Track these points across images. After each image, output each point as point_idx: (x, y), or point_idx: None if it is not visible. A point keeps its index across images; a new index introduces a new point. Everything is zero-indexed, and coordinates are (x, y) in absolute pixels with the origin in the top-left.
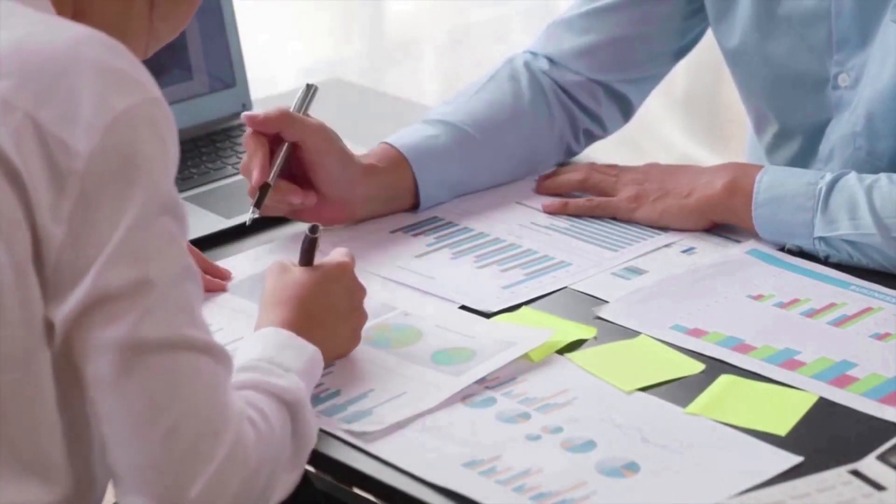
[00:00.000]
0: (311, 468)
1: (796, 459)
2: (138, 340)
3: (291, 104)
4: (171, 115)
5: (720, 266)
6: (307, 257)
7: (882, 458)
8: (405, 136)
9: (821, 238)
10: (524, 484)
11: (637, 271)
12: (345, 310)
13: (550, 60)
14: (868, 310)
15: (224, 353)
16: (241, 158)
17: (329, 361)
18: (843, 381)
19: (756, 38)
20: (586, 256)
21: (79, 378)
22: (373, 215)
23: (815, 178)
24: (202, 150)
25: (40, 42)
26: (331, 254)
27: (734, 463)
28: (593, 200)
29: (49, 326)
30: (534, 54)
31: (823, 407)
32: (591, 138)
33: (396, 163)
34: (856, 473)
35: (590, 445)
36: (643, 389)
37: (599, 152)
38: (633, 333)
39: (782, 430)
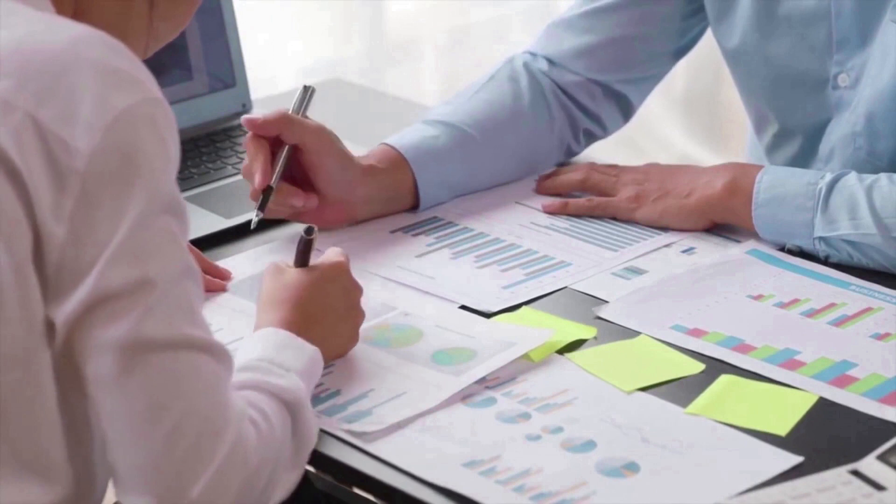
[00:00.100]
0: (311, 468)
1: (796, 459)
2: (139, 339)
3: (290, 106)
4: (172, 114)
5: (720, 266)
6: (303, 258)
7: (882, 458)
8: (405, 136)
9: (821, 238)
10: (524, 484)
11: (637, 271)
12: (342, 309)
13: (550, 61)
14: (868, 310)
15: (225, 353)
16: (241, 158)
17: (328, 361)
18: (843, 381)
19: (756, 37)
20: (586, 256)
21: (79, 378)
22: (373, 216)
23: (815, 178)
24: (202, 150)
25: (40, 41)
26: (325, 253)
27: (734, 463)
28: (593, 200)
29: (49, 326)
30: (533, 55)
31: (823, 407)
32: (590, 138)
33: (396, 163)
34: (856, 473)
35: (590, 445)
36: (643, 389)
37: (599, 152)
38: (633, 333)
39: (782, 430)
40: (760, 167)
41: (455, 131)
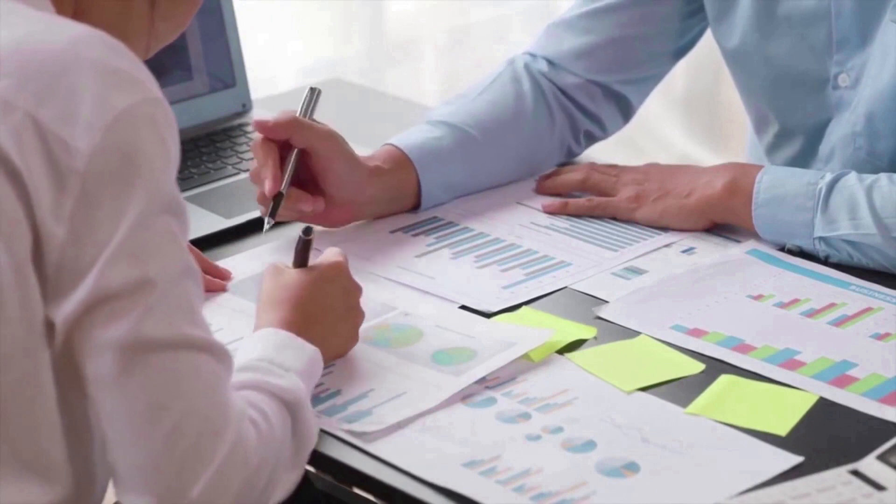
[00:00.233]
0: (311, 468)
1: (796, 459)
2: (139, 339)
3: (297, 109)
4: (172, 114)
5: (720, 266)
6: (301, 258)
7: (882, 458)
8: (408, 136)
9: (821, 238)
10: (524, 484)
11: (637, 271)
12: (342, 309)
13: (549, 62)
14: (868, 310)
15: (225, 352)
16: (241, 158)
17: (328, 361)
18: (843, 381)
19: (756, 38)
20: (586, 256)
21: (79, 378)
22: (375, 216)
23: (815, 178)
24: (202, 150)
25: (40, 41)
26: (324, 253)
27: (734, 463)
28: (593, 200)
29: (49, 326)
30: (533, 56)
31: (823, 407)
32: (591, 139)
33: (401, 164)
34: (856, 473)
35: (590, 445)
36: (643, 389)
37: (599, 153)
38: (633, 333)
39: (782, 430)
40: (760, 167)
41: (457, 132)
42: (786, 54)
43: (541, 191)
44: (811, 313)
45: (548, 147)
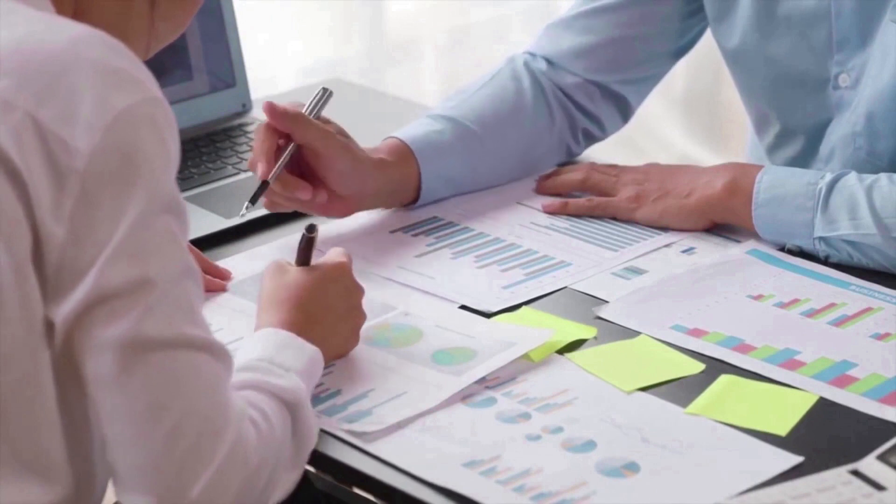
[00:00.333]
0: (311, 468)
1: (796, 459)
2: (139, 339)
3: (306, 104)
4: (172, 114)
5: (720, 266)
6: (304, 257)
7: (882, 458)
8: (411, 129)
9: (821, 238)
10: (524, 484)
11: (637, 271)
12: (343, 309)
13: (548, 61)
14: (868, 310)
15: (224, 352)
16: (241, 158)
17: (328, 361)
18: (843, 381)
19: (756, 38)
20: (586, 256)
21: (79, 377)
22: (376, 207)
23: (815, 178)
24: (202, 150)
25: (40, 41)
26: (328, 254)
27: (734, 463)
28: (593, 200)
29: (49, 326)
30: (532, 55)
31: (823, 407)
32: (589, 139)
33: (404, 156)
34: (856, 473)
35: (590, 445)
36: (643, 389)
37: (599, 152)
38: (633, 333)
39: (782, 430)
40: (760, 167)
41: (458, 126)
42: (786, 54)
43: (541, 191)
44: (811, 313)
45: (547, 143)
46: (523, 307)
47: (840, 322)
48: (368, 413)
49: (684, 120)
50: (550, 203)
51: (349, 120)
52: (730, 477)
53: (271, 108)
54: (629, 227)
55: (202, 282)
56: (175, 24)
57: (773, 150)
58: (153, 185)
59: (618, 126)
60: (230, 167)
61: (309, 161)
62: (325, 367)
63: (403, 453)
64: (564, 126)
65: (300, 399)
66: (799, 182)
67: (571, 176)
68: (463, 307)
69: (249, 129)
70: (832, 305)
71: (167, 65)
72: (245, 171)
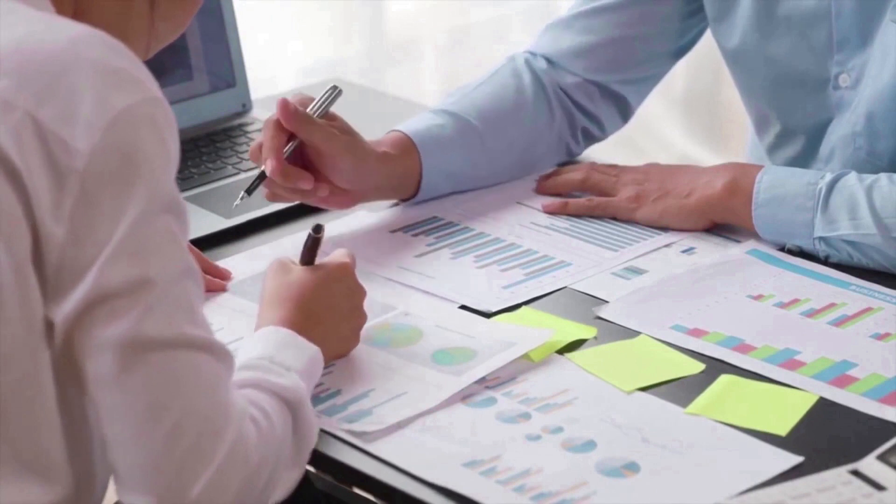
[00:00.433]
0: (311, 468)
1: (796, 459)
2: (139, 338)
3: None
4: (172, 113)
5: (720, 266)
6: (309, 256)
7: (882, 458)
8: (414, 123)
9: (821, 238)
10: (524, 484)
11: (637, 271)
12: (345, 310)
13: (548, 61)
14: (868, 310)
15: (225, 352)
16: (241, 158)
17: (329, 361)
18: (843, 381)
19: (756, 38)
20: (586, 256)
21: (79, 377)
22: (378, 199)
23: (815, 178)
24: (202, 150)
25: (40, 41)
26: (332, 254)
27: (734, 463)
28: (593, 200)
29: (49, 326)
30: (533, 54)
31: (823, 407)
32: (589, 139)
33: (407, 150)
34: (856, 473)
35: (590, 445)
36: (643, 389)
37: (599, 153)
38: (633, 333)
39: (783, 430)
40: (760, 167)
41: (459, 121)
42: (786, 54)
43: (541, 191)
44: (811, 313)
45: (547, 141)
46: (523, 307)
47: (840, 322)
48: (368, 413)
49: (684, 120)
50: (550, 203)
51: (349, 120)
52: (730, 477)
53: (284, 106)
54: (629, 227)
55: (202, 282)
56: (175, 25)
57: (773, 150)
58: (153, 184)
59: (617, 126)
60: (230, 167)
61: (312, 158)
62: (325, 367)
63: (403, 453)
64: (564, 125)
65: (301, 398)
66: (799, 182)
67: (571, 176)
68: (463, 307)
69: (249, 129)
70: (832, 305)
71: (167, 65)
72: (245, 170)
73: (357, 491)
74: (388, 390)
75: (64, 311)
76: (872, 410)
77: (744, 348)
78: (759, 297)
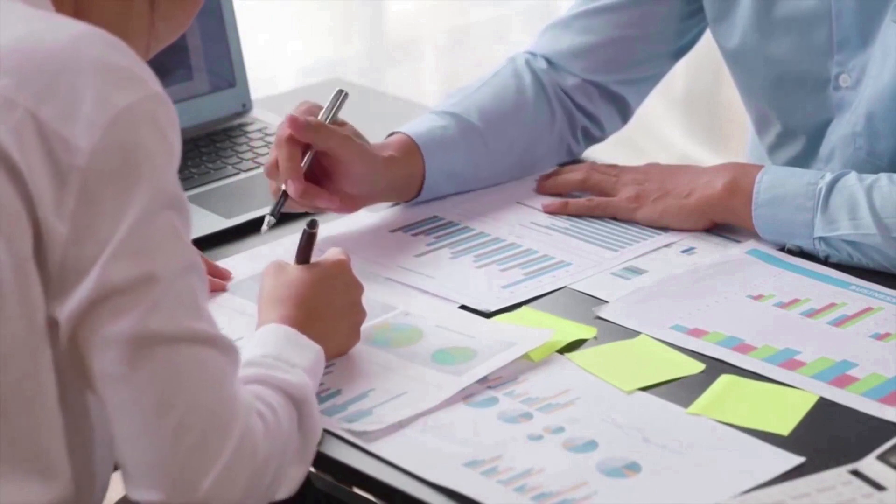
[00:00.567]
0: (311, 468)
1: (797, 460)
2: (145, 334)
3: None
4: (174, 111)
5: (720, 266)
6: (305, 253)
7: (882, 458)
8: (416, 125)
9: (821, 238)
10: (525, 484)
11: (637, 271)
12: (343, 306)
13: (548, 61)
14: (868, 310)
15: (231, 346)
16: (241, 158)
17: (329, 359)
18: (843, 381)
19: (756, 38)
20: (586, 256)
21: (82, 376)
22: (382, 202)
23: (815, 178)
24: (202, 150)
25: (41, 39)
26: (326, 252)
27: (735, 463)
28: (593, 200)
29: (52, 325)
30: (533, 55)
31: (823, 407)
32: (589, 139)
33: (411, 152)
34: (856, 473)
35: (591, 445)
36: (644, 389)
37: (600, 153)
38: (633, 333)
39: (784, 429)
40: (760, 167)
41: (461, 122)
42: (786, 55)
43: (541, 190)
44: (811, 313)
45: (547, 141)
46: (523, 307)
47: (840, 322)
48: (368, 413)
49: (684, 120)
50: (551, 203)
51: (349, 120)
52: (730, 477)
53: (294, 121)
54: (629, 227)
55: (206, 277)
56: (175, 25)
57: (773, 150)
58: (155, 181)
59: (617, 126)
60: (230, 167)
61: (324, 164)
62: (326, 366)
63: (404, 453)
64: (565, 125)
65: (306, 395)
66: (799, 182)
67: (571, 176)
68: (463, 307)
69: (249, 129)
70: (832, 305)
71: (167, 65)
72: (245, 170)
73: (357, 491)
74: (388, 390)
75: (68, 309)
76: (872, 410)
77: (744, 348)
78: (759, 297)
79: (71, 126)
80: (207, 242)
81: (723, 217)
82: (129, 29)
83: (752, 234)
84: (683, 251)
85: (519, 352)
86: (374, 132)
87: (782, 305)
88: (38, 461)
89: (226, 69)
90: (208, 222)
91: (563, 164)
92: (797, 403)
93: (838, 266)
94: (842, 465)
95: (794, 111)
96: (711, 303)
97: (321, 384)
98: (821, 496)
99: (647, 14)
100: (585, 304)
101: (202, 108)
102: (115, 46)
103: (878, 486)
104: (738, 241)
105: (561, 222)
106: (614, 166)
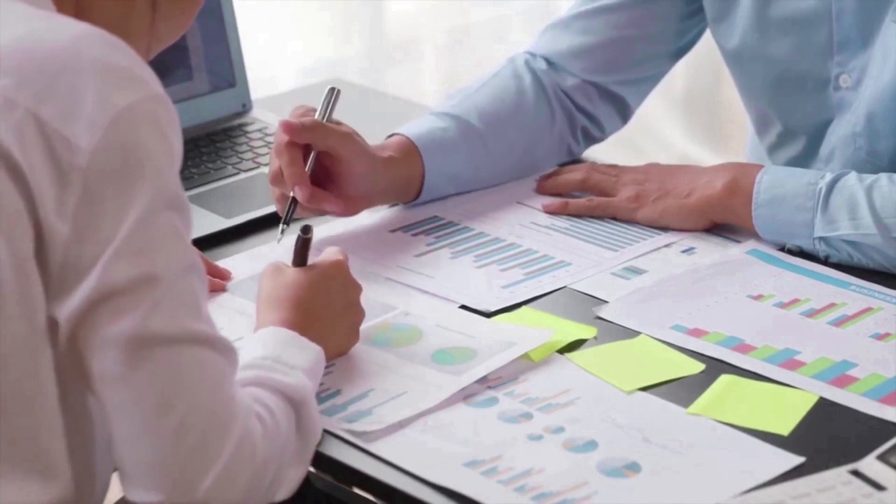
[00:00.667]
0: (311, 468)
1: (797, 460)
2: (145, 335)
3: (316, 107)
4: (175, 111)
5: (720, 266)
6: (300, 257)
7: (882, 458)
8: (416, 126)
9: (821, 238)
10: (525, 484)
11: (637, 271)
12: (342, 307)
13: (548, 61)
14: (868, 310)
15: (229, 348)
16: (241, 158)
17: (329, 359)
18: (843, 381)
19: (756, 38)
20: (586, 256)
21: (82, 376)
22: (382, 204)
23: (815, 178)
24: (202, 150)
25: (42, 39)
26: (323, 252)
27: (735, 463)
28: (594, 200)
29: (52, 325)
30: (532, 55)
31: (823, 407)
32: (589, 139)
33: (410, 154)
34: (856, 473)
35: (591, 445)
36: (644, 389)
37: (599, 152)
38: (633, 333)
39: (784, 429)
40: (760, 167)
41: (461, 123)
42: (786, 55)
43: (541, 190)
44: (811, 313)
45: (548, 142)
46: (523, 307)
47: (840, 322)
48: (368, 413)
49: (684, 120)
50: (551, 203)
51: (349, 120)
52: (730, 477)
53: (288, 125)
54: (629, 227)
55: (206, 278)
56: (176, 25)
57: (773, 150)
58: (156, 181)
59: (617, 127)
60: (230, 167)
61: (326, 164)
62: (326, 366)
63: (404, 453)
64: (565, 125)
65: (305, 396)
66: (799, 182)
67: (572, 176)
68: (463, 307)
69: (249, 129)
70: (832, 305)
71: (168, 65)
72: (245, 170)
73: (357, 491)
74: (388, 390)
75: (69, 308)
76: (872, 410)
77: (744, 348)
78: (759, 297)
79: (72, 126)
80: (207, 242)
81: (723, 217)
82: (131, 29)
83: (752, 234)
84: (683, 251)
85: (519, 352)
86: (374, 132)
87: (782, 305)
88: (38, 461)
89: (226, 69)
90: (208, 222)
91: (563, 165)
92: (797, 403)
93: (838, 266)
94: (842, 465)
95: (794, 111)
96: (711, 303)
97: (321, 384)
98: (821, 496)
99: (646, 14)
100: (585, 304)
101: (202, 108)
102: (115, 46)
103: (878, 486)
104: (738, 241)
105: (561, 222)
106: (614, 166)
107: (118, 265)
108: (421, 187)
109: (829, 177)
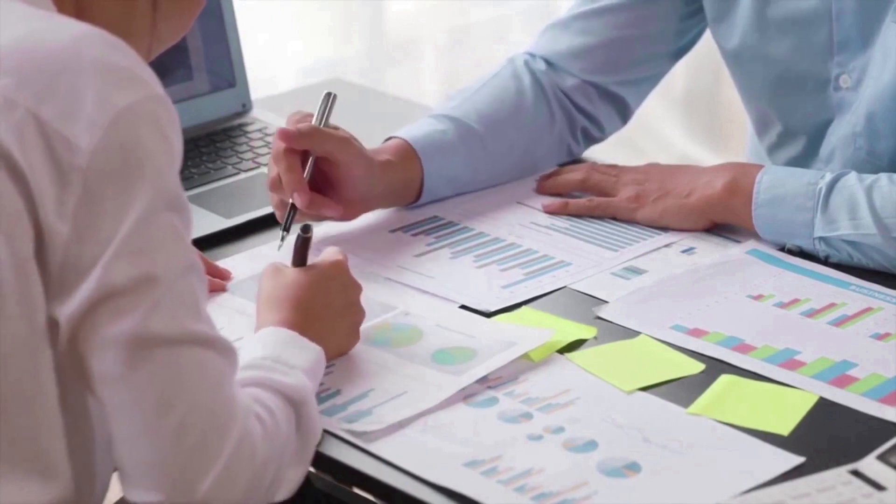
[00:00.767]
0: (311, 468)
1: (797, 460)
2: (145, 335)
3: (313, 112)
4: (175, 111)
5: (720, 266)
6: (300, 257)
7: (882, 458)
8: (414, 129)
9: (821, 238)
10: (525, 484)
11: (637, 271)
12: (342, 306)
13: (547, 62)
14: (868, 310)
15: (229, 348)
16: (241, 158)
17: (330, 359)
18: (843, 381)
19: (756, 38)
20: (586, 256)
21: (82, 376)
22: (380, 208)
23: (815, 178)
24: (202, 150)
25: (42, 39)
26: (323, 252)
27: (735, 463)
28: (594, 200)
29: (52, 325)
30: (532, 55)
31: (823, 407)
32: (588, 139)
33: (408, 157)
34: (856, 473)
35: (591, 445)
36: (644, 389)
37: (599, 152)
38: (633, 333)
39: (784, 429)
40: (760, 167)
41: (460, 125)
42: (786, 55)
43: (541, 191)
44: (811, 313)
45: (547, 143)
46: (523, 307)
47: (840, 322)
48: (368, 413)
49: (684, 120)
50: (551, 203)
51: (349, 120)
52: (730, 477)
53: (285, 132)
54: (629, 227)
55: (206, 278)
56: (177, 25)
57: (773, 150)
58: (156, 182)
59: (616, 127)
60: (230, 167)
61: (324, 169)
62: (326, 366)
63: (404, 453)
64: (564, 126)
65: (305, 397)
66: (799, 182)
67: (572, 176)
68: (463, 307)
69: (249, 129)
70: (832, 305)
71: (168, 65)
72: (245, 170)
73: (357, 491)
74: (388, 390)
75: (69, 309)
76: (872, 410)
77: (744, 348)
78: (759, 297)
79: (72, 126)
80: (207, 242)
81: (723, 217)
82: (132, 29)
83: (752, 234)
84: (683, 251)
85: (519, 352)
86: (374, 132)
87: (782, 305)
88: (38, 461)
89: (226, 69)
90: (208, 222)
91: (562, 165)
92: (797, 403)
93: (838, 266)
94: (842, 465)
95: (794, 111)
96: (711, 303)
97: (321, 384)
98: (821, 496)
99: (646, 14)
100: (585, 304)
101: (202, 108)
102: (115, 47)
103: (878, 486)
104: (738, 241)
105: (561, 222)
106: (614, 166)
107: (118, 265)
108: (420, 190)
109: (829, 177)
